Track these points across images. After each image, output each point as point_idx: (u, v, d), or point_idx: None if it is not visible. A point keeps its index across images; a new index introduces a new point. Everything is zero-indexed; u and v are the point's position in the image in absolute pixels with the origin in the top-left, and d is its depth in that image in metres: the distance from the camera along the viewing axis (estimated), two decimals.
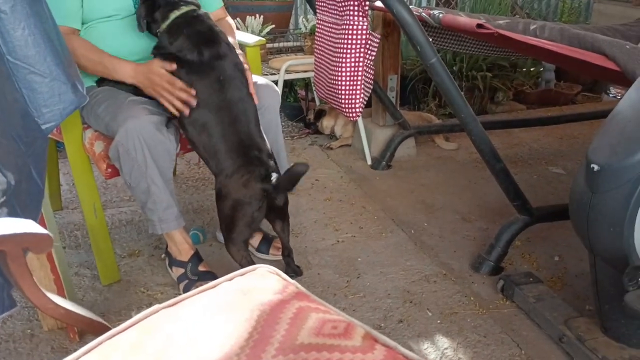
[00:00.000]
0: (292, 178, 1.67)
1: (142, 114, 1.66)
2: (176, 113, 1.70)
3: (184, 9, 1.75)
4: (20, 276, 0.72)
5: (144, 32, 1.79)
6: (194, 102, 1.68)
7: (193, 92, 1.68)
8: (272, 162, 1.72)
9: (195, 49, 1.70)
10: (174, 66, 1.68)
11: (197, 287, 1.76)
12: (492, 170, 1.89)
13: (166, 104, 1.70)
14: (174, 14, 1.73)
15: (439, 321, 1.72)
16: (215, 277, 1.82)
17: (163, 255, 1.99)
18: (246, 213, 1.68)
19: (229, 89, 1.71)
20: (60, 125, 1.67)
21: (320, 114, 3.26)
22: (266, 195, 1.68)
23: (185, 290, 1.83)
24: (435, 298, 1.83)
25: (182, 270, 1.86)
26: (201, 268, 1.86)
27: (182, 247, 1.86)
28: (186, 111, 1.68)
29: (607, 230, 1.30)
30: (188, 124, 1.71)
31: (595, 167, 1.26)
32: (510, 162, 2.87)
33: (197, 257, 1.87)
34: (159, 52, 1.74)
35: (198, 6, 1.80)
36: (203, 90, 1.69)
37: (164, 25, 1.73)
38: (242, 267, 1.59)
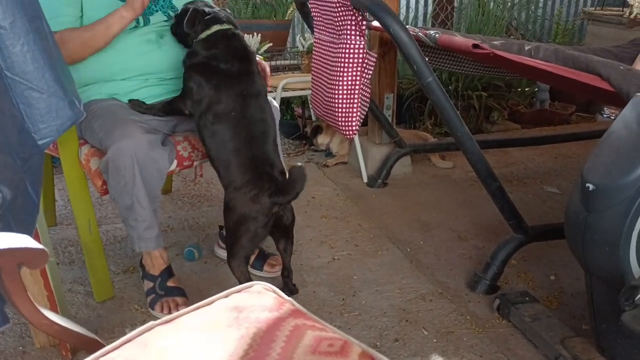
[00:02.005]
0: (296, 179, 1.64)
1: (136, 133, 1.67)
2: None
3: (226, 26, 1.82)
4: (14, 291, 0.72)
5: (181, 37, 1.87)
6: None
7: None
8: (282, 180, 1.72)
9: (228, 60, 1.76)
10: None
11: (163, 302, 1.79)
12: (488, 189, 1.90)
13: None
14: (217, 27, 1.80)
15: (435, 340, 1.71)
16: (183, 293, 1.85)
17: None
18: (250, 228, 1.68)
19: (250, 106, 1.75)
20: (56, 140, 1.68)
21: (316, 130, 3.28)
22: (274, 212, 1.68)
23: (152, 304, 1.82)
24: (431, 317, 1.82)
25: (151, 284, 1.86)
26: (170, 283, 1.85)
27: (156, 261, 1.86)
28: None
29: (602, 249, 1.30)
30: (207, 136, 1.74)
31: (590, 187, 1.27)
32: (506, 181, 2.88)
33: (167, 272, 1.87)
34: (191, 59, 1.80)
35: (236, 27, 1.86)
36: (226, 100, 1.73)
37: (204, 35, 1.79)
38: (240, 282, 1.59)
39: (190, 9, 1.80)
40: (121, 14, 1.75)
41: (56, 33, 1.68)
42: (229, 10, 1.95)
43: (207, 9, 1.82)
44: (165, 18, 1.92)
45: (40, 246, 0.70)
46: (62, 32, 1.72)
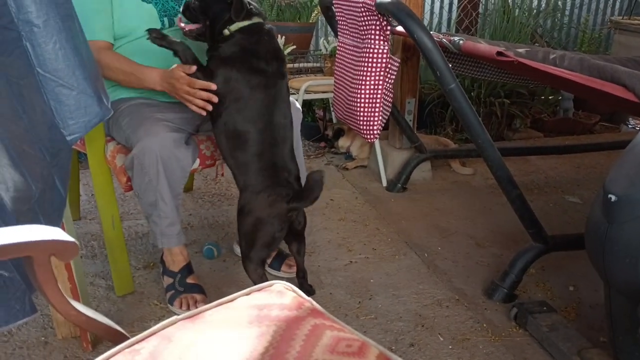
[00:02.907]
0: (314, 186, 1.64)
1: (161, 131, 1.70)
2: (201, 112, 1.72)
3: (261, 19, 1.77)
4: (45, 282, 0.75)
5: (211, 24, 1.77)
6: (215, 99, 1.69)
7: (213, 86, 1.68)
8: (298, 185, 1.74)
9: (269, 59, 1.71)
10: (193, 68, 1.69)
11: (182, 299, 1.81)
12: (508, 196, 1.89)
13: (190, 106, 1.73)
14: (257, 19, 1.75)
15: (450, 347, 1.71)
16: (202, 290, 1.88)
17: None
18: (268, 232, 1.69)
19: (278, 110, 1.72)
20: (84, 137, 1.72)
21: (338, 133, 3.30)
22: (289, 217, 1.70)
23: (171, 300, 1.85)
24: (447, 323, 1.82)
25: (171, 280, 1.89)
26: (189, 280, 1.88)
27: (176, 258, 1.89)
28: (209, 107, 1.70)
29: (623, 261, 1.29)
30: (228, 137, 1.72)
31: (613, 198, 1.26)
32: (526, 189, 2.86)
33: (187, 269, 1.90)
34: (227, 48, 1.71)
35: (265, 20, 1.81)
36: (259, 106, 1.70)
37: (244, 24, 1.72)
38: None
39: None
40: (156, 79, 1.75)
41: (96, 52, 1.66)
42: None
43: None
44: None
45: (71, 239, 0.73)
46: (100, 54, 1.72)
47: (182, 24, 1.80)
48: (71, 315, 0.79)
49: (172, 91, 1.75)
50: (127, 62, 1.80)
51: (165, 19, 1.89)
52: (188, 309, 1.79)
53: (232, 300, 0.92)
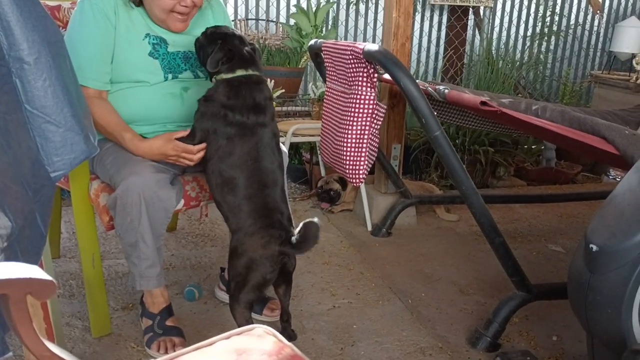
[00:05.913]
0: (309, 237, 1.66)
1: (145, 172, 1.70)
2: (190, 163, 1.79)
3: (250, 72, 1.79)
4: (20, 322, 0.72)
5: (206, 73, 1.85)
6: (203, 153, 1.75)
7: (204, 145, 1.75)
8: (291, 227, 1.73)
9: (244, 112, 1.74)
10: (186, 132, 1.75)
11: (160, 342, 1.77)
12: (492, 244, 1.90)
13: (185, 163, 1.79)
14: (240, 72, 1.77)
15: None
16: (181, 333, 1.84)
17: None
18: (260, 273, 1.68)
19: (263, 156, 1.75)
20: (68, 174, 1.70)
21: (344, 182, 3.18)
22: (281, 259, 1.69)
23: (148, 342, 1.81)
24: None
25: (150, 322, 1.85)
26: (169, 323, 1.84)
27: (156, 299, 1.86)
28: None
29: (605, 311, 1.29)
30: (218, 184, 1.75)
31: (594, 248, 1.28)
32: (510, 237, 2.88)
33: (167, 311, 1.86)
34: (208, 104, 1.76)
35: (259, 68, 1.83)
36: (240, 153, 1.73)
37: (227, 76, 1.77)
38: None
39: (218, 46, 1.75)
40: (142, 152, 1.76)
41: (89, 98, 1.66)
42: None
43: (233, 49, 1.76)
44: (193, 76, 1.94)
45: (49, 277, 0.71)
46: (87, 102, 1.62)
47: None
48: (45, 357, 0.77)
49: (165, 159, 1.78)
50: (112, 120, 1.79)
51: (169, 75, 1.89)
52: (166, 352, 1.74)
53: (211, 344, 0.91)
